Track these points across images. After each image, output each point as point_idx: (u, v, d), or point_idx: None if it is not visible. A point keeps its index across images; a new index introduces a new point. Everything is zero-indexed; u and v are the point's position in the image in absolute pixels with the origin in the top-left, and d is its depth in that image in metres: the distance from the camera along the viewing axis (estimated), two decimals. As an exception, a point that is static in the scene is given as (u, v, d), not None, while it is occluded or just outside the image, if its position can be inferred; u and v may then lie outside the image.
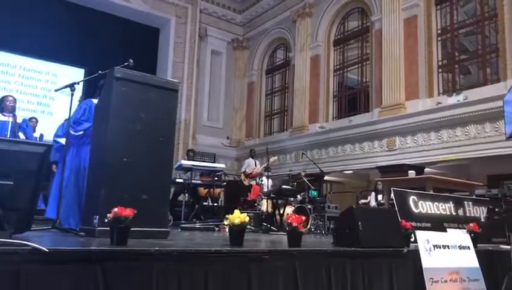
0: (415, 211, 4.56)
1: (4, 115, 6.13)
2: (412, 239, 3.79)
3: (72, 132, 4.26)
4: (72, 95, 3.66)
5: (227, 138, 15.31)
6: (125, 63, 3.48)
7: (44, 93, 11.83)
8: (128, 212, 2.31)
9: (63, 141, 4.44)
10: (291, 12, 13.88)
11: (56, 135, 5.09)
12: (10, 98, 6.22)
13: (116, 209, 2.32)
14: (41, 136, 8.06)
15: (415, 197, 4.62)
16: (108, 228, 2.47)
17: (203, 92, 14.85)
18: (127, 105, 3.22)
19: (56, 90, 3.78)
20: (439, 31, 10.18)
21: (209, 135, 14.70)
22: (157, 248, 2.18)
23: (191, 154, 9.63)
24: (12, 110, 6.17)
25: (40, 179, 2.61)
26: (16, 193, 2.42)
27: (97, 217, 3.04)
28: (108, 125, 3.16)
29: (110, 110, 3.18)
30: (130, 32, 13.11)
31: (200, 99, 14.68)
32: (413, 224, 4.21)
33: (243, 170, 10.28)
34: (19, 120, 6.29)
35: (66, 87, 3.71)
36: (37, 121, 8.45)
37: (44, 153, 2.60)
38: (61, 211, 3.60)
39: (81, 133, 4.34)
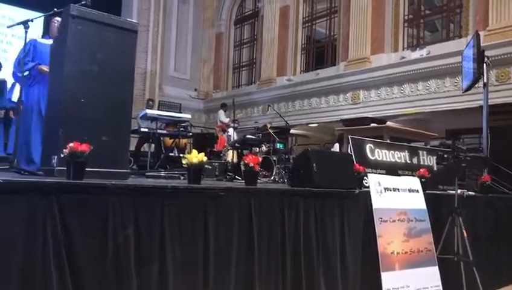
0: (371, 158, 4.75)
1: None
2: (367, 184, 3.99)
3: (18, 74, 4.20)
4: (26, 33, 3.52)
5: (195, 89, 15.15)
6: (83, 2, 3.36)
7: (1, 38, 11.25)
8: (84, 147, 2.33)
9: None
10: (261, -40, 13.53)
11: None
12: None
13: (72, 145, 2.33)
14: None
15: (372, 145, 4.80)
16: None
17: (169, 41, 14.49)
18: (84, 45, 3.13)
19: (8, 27, 3.63)
20: (407, -16, 10.21)
21: (176, 86, 14.51)
22: (113, 182, 2.23)
23: (150, 103, 9.49)
24: None
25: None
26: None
27: (56, 157, 3.03)
28: (64, 65, 3.08)
29: (66, 50, 3.10)
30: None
31: (166, 49, 14.35)
32: (369, 171, 4.41)
33: (221, 119, 10.29)
34: None
35: (19, 24, 3.56)
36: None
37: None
38: (17, 153, 3.57)
39: (26, 73, 4.29)
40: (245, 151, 8.54)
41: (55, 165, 3.05)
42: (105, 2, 3.94)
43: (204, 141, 10.46)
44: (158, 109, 9.07)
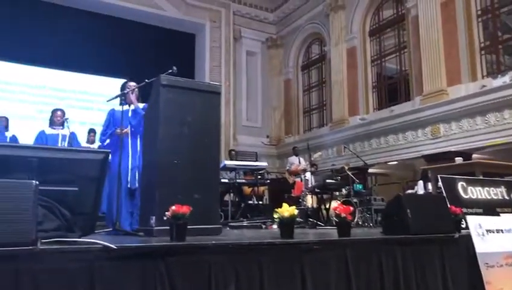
0: (465, 197, 4.46)
1: (54, 128, 6.43)
2: (464, 225, 3.75)
3: (102, 143, 4.59)
4: (123, 104, 3.87)
5: (267, 136, 15.42)
6: (169, 71, 3.65)
7: (91, 106, 12.35)
8: (185, 209, 2.46)
9: None
10: (323, 6, 13.81)
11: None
12: (59, 113, 6.50)
13: (173, 208, 2.47)
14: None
15: (464, 183, 4.53)
16: (165, 227, 2.63)
17: (240, 93, 15.05)
18: (175, 110, 3.39)
19: (108, 101, 4.01)
20: (479, 12, 9.84)
21: (249, 134, 14.87)
22: (214, 242, 2.31)
23: (233, 153, 9.84)
24: (61, 124, 6.44)
25: (101, 184, 2.81)
26: (81, 198, 2.62)
27: (154, 217, 3.22)
28: (158, 130, 3.34)
29: (160, 116, 3.36)
30: (167, 39, 13.47)
31: (238, 100, 14.89)
32: (464, 210, 4.14)
33: (287, 168, 10.36)
34: (66, 132, 6.44)
35: (116, 97, 3.94)
36: (95, 134, 8.46)
37: (103, 159, 2.80)
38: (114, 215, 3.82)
39: (108, 141, 4.66)
40: (325, 196, 8.43)
41: (153, 225, 3.24)
42: (180, 63, 4.22)
43: (281, 187, 10.49)
44: (235, 159, 9.37)
